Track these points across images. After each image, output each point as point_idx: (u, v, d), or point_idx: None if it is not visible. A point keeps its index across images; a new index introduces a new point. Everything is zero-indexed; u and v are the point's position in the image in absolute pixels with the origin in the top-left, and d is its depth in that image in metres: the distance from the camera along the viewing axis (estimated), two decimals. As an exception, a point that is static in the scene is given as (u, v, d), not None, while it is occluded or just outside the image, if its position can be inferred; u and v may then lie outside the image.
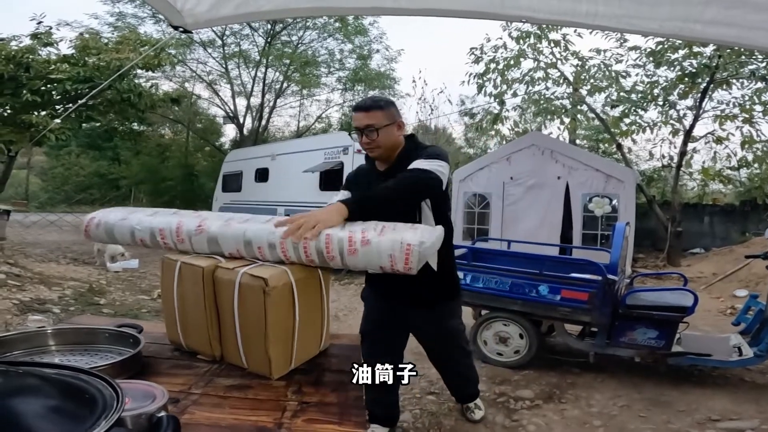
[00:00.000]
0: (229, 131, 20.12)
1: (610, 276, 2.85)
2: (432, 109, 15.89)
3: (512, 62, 9.12)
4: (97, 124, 10.49)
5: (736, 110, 7.60)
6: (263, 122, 16.96)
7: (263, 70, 15.54)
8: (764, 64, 6.81)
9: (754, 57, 6.83)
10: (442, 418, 2.56)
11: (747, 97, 7.51)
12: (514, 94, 9.58)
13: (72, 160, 20.33)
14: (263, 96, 16.34)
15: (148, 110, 9.55)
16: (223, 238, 1.35)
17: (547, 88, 9.39)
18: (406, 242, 1.23)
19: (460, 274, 3.36)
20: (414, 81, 24.63)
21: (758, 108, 7.29)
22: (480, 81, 9.45)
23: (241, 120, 16.70)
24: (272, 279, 1.17)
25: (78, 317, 2.76)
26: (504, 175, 7.29)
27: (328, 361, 1.44)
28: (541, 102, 9.41)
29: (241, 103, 16.75)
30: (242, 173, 9.77)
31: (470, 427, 2.49)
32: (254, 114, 16.74)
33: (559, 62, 9.08)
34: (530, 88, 9.43)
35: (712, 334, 3.65)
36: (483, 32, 13.37)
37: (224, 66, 15.72)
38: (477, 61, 9.54)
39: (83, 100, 7.37)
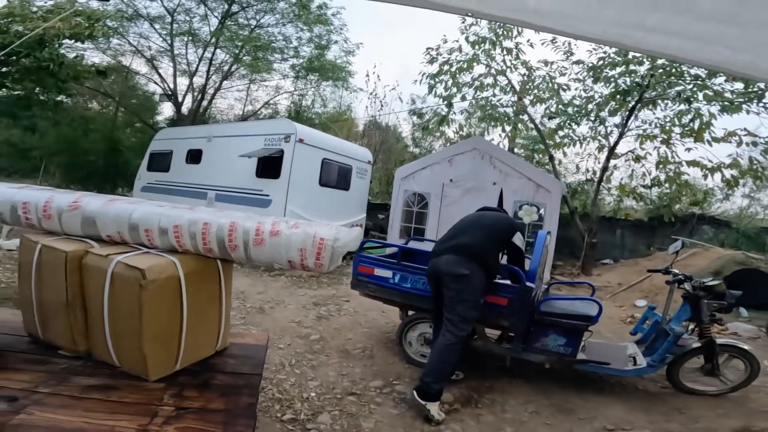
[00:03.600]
0: (167, 110, 18.74)
1: (528, 283, 2.93)
2: (382, 105, 15.90)
3: (465, 66, 9.29)
4: (15, 93, 9.59)
5: (657, 131, 8.20)
6: (205, 103, 15.95)
7: (212, 50, 14.62)
8: (691, 86, 7.37)
9: (682, 79, 7.45)
10: (362, 420, 2.49)
11: (668, 119, 8.05)
12: (463, 98, 9.78)
13: (-21, 127, 17.82)
14: (208, 76, 15.36)
15: (70, 81, 9.17)
16: (102, 217, 1.16)
17: (494, 95, 9.67)
18: (320, 236, 1.14)
19: (389, 273, 3.36)
20: (368, 75, 24.65)
21: (677, 130, 7.85)
22: (432, 82, 9.53)
23: (181, 99, 15.57)
24: (152, 271, 1.01)
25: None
26: (444, 176, 7.41)
27: (223, 362, 1.30)
28: (487, 108, 9.68)
29: (183, 81, 15.63)
30: (172, 153, 9.07)
31: (390, 429, 2.44)
32: (195, 94, 15.69)
33: (508, 70, 9.39)
34: (478, 93, 9.68)
35: (612, 342, 3.87)
36: (441, 34, 13.54)
37: (170, 43, 14.56)
38: (432, 61, 9.63)
39: None
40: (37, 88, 9.70)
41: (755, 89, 6.66)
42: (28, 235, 1.18)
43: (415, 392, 2.58)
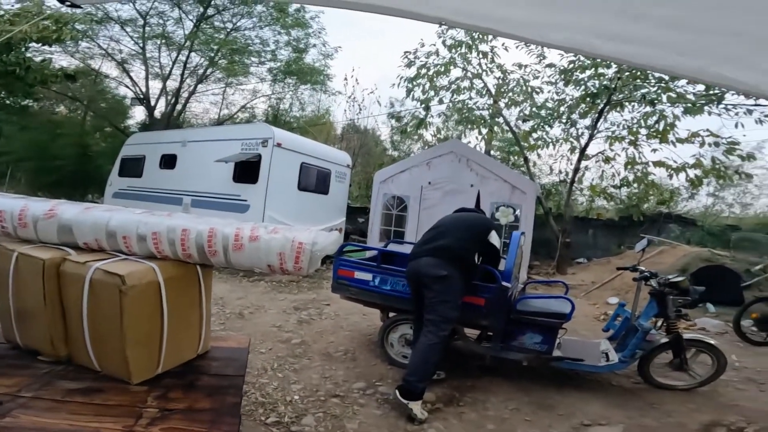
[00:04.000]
0: (139, 114, 18.28)
1: (504, 283, 3.00)
2: (360, 109, 15.96)
3: (442, 69, 9.41)
4: None
5: (625, 132, 8.48)
6: (179, 107, 15.62)
7: (186, 53, 14.34)
8: (655, 89, 7.68)
9: (647, 81, 7.73)
10: (346, 422, 2.51)
11: (635, 120, 8.35)
12: (440, 101, 9.91)
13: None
14: (182, 80, 15.03)
15: (38, 85, 8.98)
16: (78, 225, 1.16)
17: (470, 98, 9.84)
18: (299, 241, 1.16)
19: (369, 276, 3.39)
20: (346, 79, 24.70)
21: (643, 131, 8.14)
22: (410, 85, 9.62)
23: (153, 102, 15.20)
24: (132, 277, 1.03)
25: None
26: (423, 179, 7.50)
27: (206, 364, 1.32)
28: (464, 111, 9.84)
29: (156, 85, 15.25)
30: (145, 158, 8.88)
31: (374, 429, 2.46)
32: (169, 98, 15.34)
33: (484, 73, 9.55)
34: (455, 96, 9.81)
35: (587, 339, 4.01)
36: (419, 38, 13.66)
37: (142, 46, 14.22)
38: (409, 65, 9.72)
39: None
40: (3, 93, 9.42)
41: (716, 92, 6.99)
42: (4, 244, 1.17)
43: (397, 392, 2.62)
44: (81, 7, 1.77)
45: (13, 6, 10.18)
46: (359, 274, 3.41)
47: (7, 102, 9.87)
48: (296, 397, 2.73)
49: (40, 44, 8.67)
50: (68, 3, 1.67)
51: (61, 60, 12.63)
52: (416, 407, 2.57)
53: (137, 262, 1.11)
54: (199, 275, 1.25)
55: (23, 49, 8.13)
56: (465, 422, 2.63)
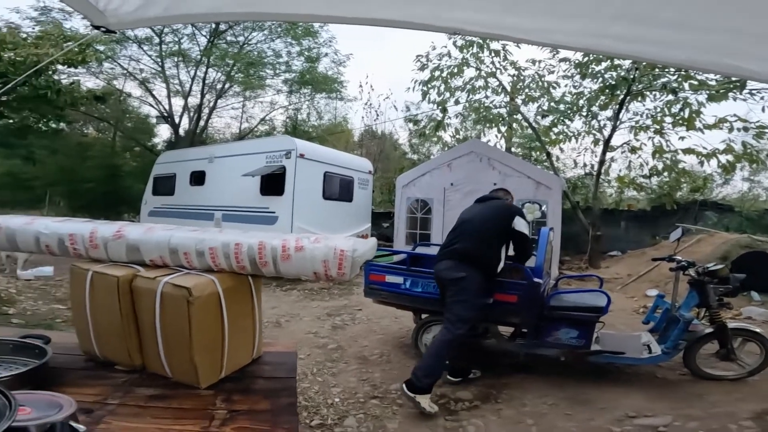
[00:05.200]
0: (163, 132, 18.99)
1: (535, 279, 3.02)
2: (378, 115, 16.11)
3: (455, 70, 9.41)
4: (10, 121, 9.67)
5: (649, 121, 8.30)
6: (201, 123, 16.16)
7: (204, 69, 14.85)
8: (675, 77, 7.51)
9: (666, 70, 7.53)
10: (387, 422, 2.58)
11: (658, 109, 8.19)
12: (456, 102, 9.90)
13: (-23, 160, 17.91)
14: (202, 96, 15.55)
15: (68, 107, 9.14)
16: (144, 244, 1.28)
17: (486, 97, 9.78)
18: (340, 248, 1.25)
19: (400, 279, 3.46)
20: (361, 86, 25.01)
21: (668, 119, 7.96)
22: (425, 88, 9.63)
23: (177, 120, 15.78)
24: (197, 288, 1.13)
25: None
26: (445, 180, 7.54)
27: (260, 369, 1.41)
28: (481, 110, 9.80)
29: (178, 102, 15.83)
30: (176, 176, 9.24)
31: (414, 428, 2.52)
32: (192, 114, 15.90)
33: (498, 72, 9.50)
34: (471, 96, 9.77)
35: (626, 332, 3.94)
36: (429, 41, 13.70)
37: (160, 64, 14.81)
38: (423, 68, 9.73)
39: None
40: (33, 117, 9.70)
41: (736, 80, 6.76)
42: (78, 264, 1.30)
43: (404, 386, 2.66)
44: (115, 32, 1.89)
45: (34, 29, 10.72)
46: (390, 278, 3.48)
47: (39, 126, 10.11)
48: (337, 400, 2.82)
49: (65, 66, 8.95)
50: (103, 29, 1.77)
51: (86, 81, 13.17)
52: (423, 400, 2.61)
53: (199, 275, 1.22)
54: (251, 285, 1.35)
55: (51, 72, 8.30)
56: (504, 418, 2.66)
